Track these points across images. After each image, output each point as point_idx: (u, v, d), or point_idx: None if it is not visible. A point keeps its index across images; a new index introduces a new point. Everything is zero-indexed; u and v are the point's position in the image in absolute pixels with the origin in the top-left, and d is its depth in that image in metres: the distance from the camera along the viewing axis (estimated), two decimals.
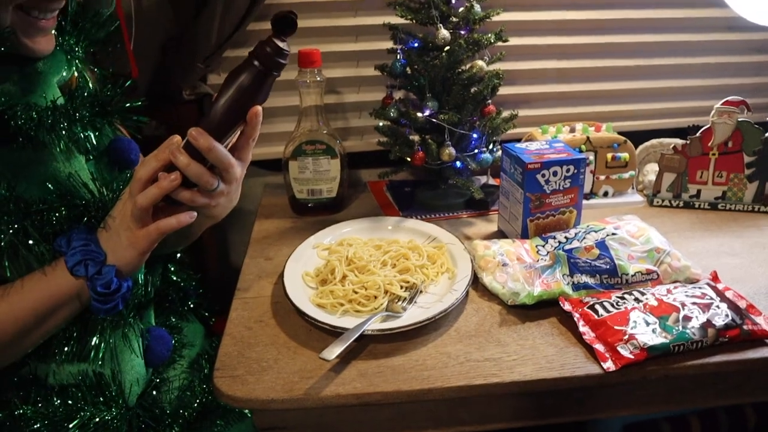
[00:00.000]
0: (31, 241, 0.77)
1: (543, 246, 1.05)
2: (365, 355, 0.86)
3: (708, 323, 0.85)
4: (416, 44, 1.21)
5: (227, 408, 0.97)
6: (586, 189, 1.30)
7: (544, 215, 1.10)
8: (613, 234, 1.02)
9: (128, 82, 0.91)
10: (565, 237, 1.06)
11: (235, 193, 0.86)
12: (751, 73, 1.54)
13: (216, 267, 1.50)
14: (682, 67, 1.50)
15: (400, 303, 0.94)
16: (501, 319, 0.94)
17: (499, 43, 1.22)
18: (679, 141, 1.29)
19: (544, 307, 0.94)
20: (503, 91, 1.30)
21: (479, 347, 0.87)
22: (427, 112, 1.18)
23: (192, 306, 1.10)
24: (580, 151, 1.25)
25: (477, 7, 1.18)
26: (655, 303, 0.89)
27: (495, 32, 1.21)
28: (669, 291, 0.92)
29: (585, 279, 0.96)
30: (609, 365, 0.82)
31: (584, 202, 1.22)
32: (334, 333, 0.87)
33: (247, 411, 0.99)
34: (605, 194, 1.32)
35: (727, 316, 0.86)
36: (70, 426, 0.81)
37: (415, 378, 0.82)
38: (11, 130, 0.75)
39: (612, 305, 0.89)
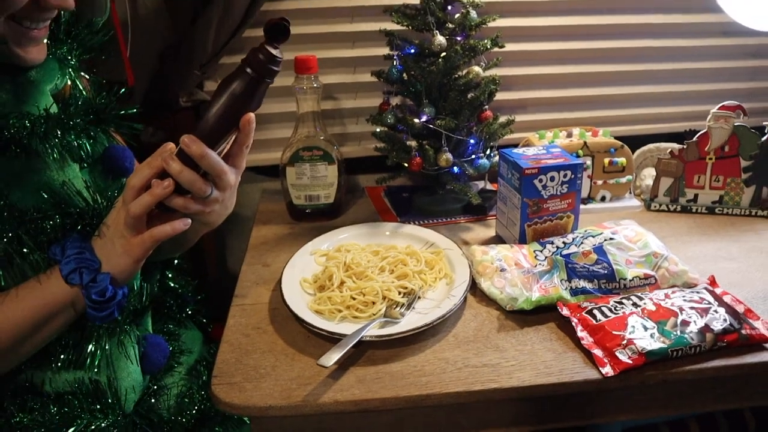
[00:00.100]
0: (25, 250, 0.77)
1: (541, 251, 1.05)
2: (363, 362, 0.86)
3: (706, 328, 0.85)
4: (413, 50, 1.21)
5: (225, 415, 0.97)
6: (584, 194, 1.30)
7: (541, 220, 1.11)
8: (611, 239, 1.03)
9: (122, 90, 0.90)
10: (563, 242, 1.06)
11: (229, 200, 0.86)
12: (746, 78, 1.54)
13: (214, 273, 1.50)
14: (678, 72, 1.50)
15: (398, 309, 0.93)
16: (499, 325, 0.93)
17: (496, 49, 1.23)
18: (676, 145, 1.29)
19: (543, 313, 0.94)
20: (500, 96, 1.31)
21: (477, 353, 0.87)
22: (424, 118, 1.18)
23: (190, 312, 1.10)
24: (578, 156, 1.26)
25: (473, 13, 1.19)
26: (653, 308, 0.89)
27: (491, 38, 1.21)
28: (667, 296, 0.92)
29: (583, 284, 0.96)
30: (607, 370, 0.82)
31: (582, 206, 1.22)
32: (332, 339, 0.87)
33: (245, 418, 0.98)
34: (603, 199, 1.32)
35: (725, 320, 0.86)
36: None
37: (414, 384, 0.81)
38: (4, 139, 0.75)
39: (610, 310, 0.89)
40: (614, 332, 0.85)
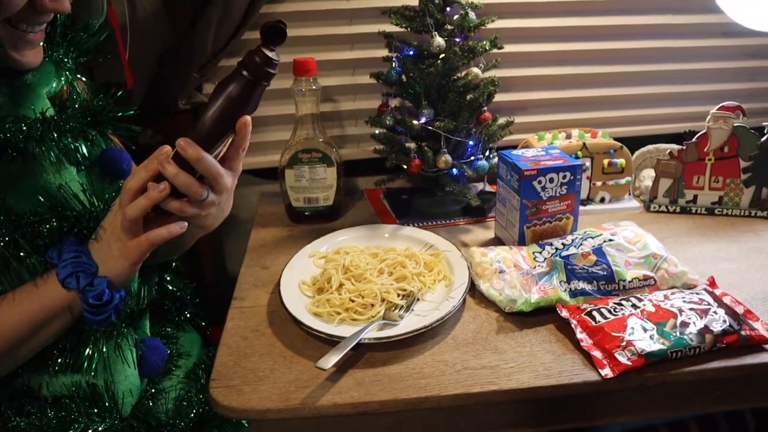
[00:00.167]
0: (22, 254, 0.77)
1: (540, 253, 1.05)
2: (362, 364, 0.86)
3: (706, 329, 0.84)
4: (411, 52, 1.21)
5: (224, 418, 0.97)
6: (583, 195, 1.30)
7: (540, 222, 1.10)
8: (610, 240, 1.02)
9: (120, 92, 0.90)
10: (562, 243, 1.06)
11: (226, 203, 0.86)
12: (746, 79, 1.54)
13: (213, 276, 1.49)
14: (678, 73, 1.50)
15: (397, 311, 0.93)
16: (498, 327, 0.93)
17: (495, 50, 1.23)
18: (675, 146, 1.29)
19: (542, 314, 0.94)
20: (499, 98, 1.30)
21: (476, 355, 0.87)
22: (422, 120, 1.18)
23: (188, 315, 1.10)
24: (577, 158, 1.25)
25: (472, 15, 1.18)
26: (653, 309, 0.89)
27: (490, 39, 1.21)
28: (666, 297, 0.92)
29: (582, 285, 0.96)
30: (607, 372, 0.81)
31: (581, 208, 1.22)
32: (331, 342, 0.87)
33: (243, 421, 0.98)
34: (602, 200, 1.32)
35: (724, 321, 0.86)
36: None
37: (412, 386, 0.81)
38: (0, 142, 0.75)
39: (609, 312, 0.89)
40: (613, 334, 0.84)
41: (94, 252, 0.79)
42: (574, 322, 0.89)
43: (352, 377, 0.83)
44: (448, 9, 1.19)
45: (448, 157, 1.17)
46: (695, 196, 1.28)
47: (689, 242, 1.16)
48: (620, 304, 0.90)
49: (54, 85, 0.85)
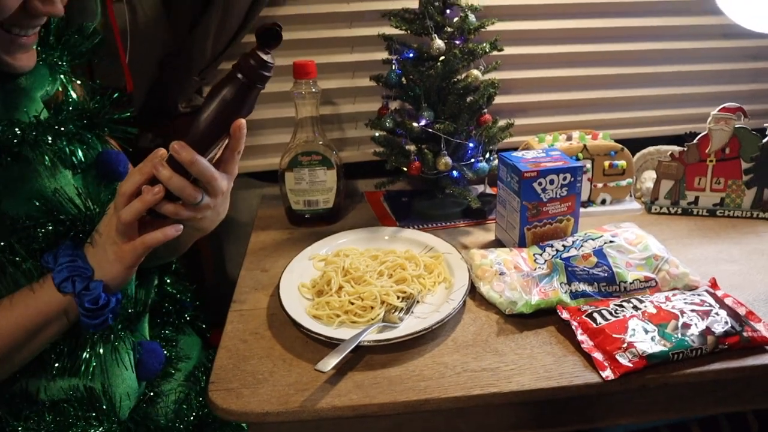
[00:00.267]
0: (18, 258, 0.77)
1: (540, 254, 1.04)
2: (362, 367, 0.85)
3: (707, 330, 0.84)
4: (411, 54, 1.21)
5: (223, 421, 0.97)
6: (584, 197, 1.30)
7: (541, 224, 1.10)
8: (611, 242, 1.02)
9: (116, 94, 0.90)
10: (563, 245, 1.05)
11: (221, 205, 0.86)
12: (747, 80, 1.54)
13: (213, 279, 1.49)
14: (679, 75, 1.50)
15: (396, 313, 0.93)
16: (498, 329, 0.93)
17: (495, 53, 1.22)
18: (676, 148, 1.28)
19: (542, 316, 0.94)
20: (499, 100, 1.30)
21: (477, 357, 0.86)
22: (422, 122, 1.18)
23: (188, 318, 1.10)
24: (577, 159, 1.25)
25: (472, 17, 1.18)
26: (654, 311, 0.88)
27: (490, 41, 1.21)
28: (668, 298, 0.91)
29: (583, 287, 0.96)
30: (608, 374, 0.81)
31: (582, 210, 1.21)
32: (330, 344, 0.86)
33: (243, 424, 0.98)
34: (603, 202, 1.31)
35: (726, 323, 0.85)
36: None
37: (412, 389, 0.81)
38: None
39: (610, 313, 0.88)
40: (614, 335, 0.84)
41: (90, 256, 0.79)
42: (574, 323, 0.89)
43: (351, 380, 0.83)
44: (448, 11, 1.19)
45: (448, 160, 1.17)
46: (696, 198, 1.27)
47: (690, 244, 1.16)
48: (621, 306, 0.90)
49: (48, 89, 0.85)
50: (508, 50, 1.30)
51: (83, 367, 0.82)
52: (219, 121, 0.75)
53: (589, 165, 1.28)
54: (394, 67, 1.21)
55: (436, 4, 1.18)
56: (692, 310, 0.88)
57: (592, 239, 1.04)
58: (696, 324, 0.85)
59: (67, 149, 0.82)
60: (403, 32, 1.21)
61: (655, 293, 0.95)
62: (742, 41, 1.47)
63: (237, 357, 0.89)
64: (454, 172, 1.21)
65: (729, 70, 1.51)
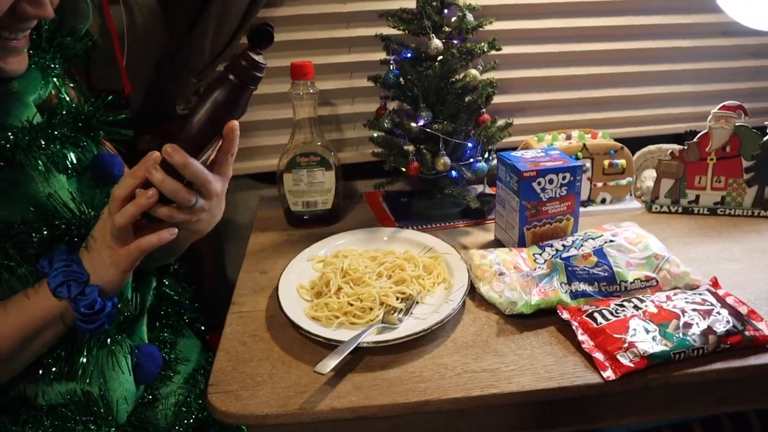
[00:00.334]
0: (12, 263, 0.76)
1: (540, 254, 1.04)
2: (361, 368, 0.85)
3: (709, 330, 0.83)
4: (409, 54, 1.20)
5: (223, 424, 0.96)
6: (584, 196, 1.29)
7: (540, 223, 1.09)
8: (611, 241, 1.01)
9: (110, 97, 0.89)
10: (563, 245, 1.05)
11: (217, 208, 0.85)
12: (747, 78, 1.53)
13: (212, 281, 1.49)
14: (678, 73, 1.49)
15: (396, 314, 0.92)
16: (498, 329, 0.92)
17: (493, 52, 1.22)
18: (676, 147, 1.28)
19: (542, 316, 0.93)
20: (498, 99, 1.30)
21: (476, 358, 0.86)
22: (421, 122, 1.17)
23: (187, 320, 1.09)
24: (577, 159, 1.25)
25: (469, 17, 1.18)
26: (655, 310, 0.88)
27: (488, 41, 1.21)
28: (669, 298, 0.91)
29: (583, 287, 0.95)
30: (609, 374, 0.80)
31: (582, 209, 1.21)
32: (329, 346, 0.86)
33: (242, 426, 0.97)
34: (603, 201, 1.31)
35: (728, 322, 0.85)
36: None
37: (412, 390, 0.80)
38: None
39: (611, 313, 0.88)
40: (615, 335, 0.83)
41: (85, 260, 0.78)
42: (575, 324, 0.89)
43: (350, 381, 0.82)
44: (445, 11, 1.19)
45: (446, 160, 1.17)
46: (697, 197, 1.27)
47: (691, 243, 1.15)
48: (622, 306, 0.89)
49: (41, 92, 0.84)
50: (507, 49, 1.30)
51: (80, 372, 0.81)
52: (211, 124, 0.74)
53: (588, 164, 1.27)
54: (392, 68, 1.21)
55: (434, 3, 1.17)
56: (693, 310, 0.87)
57: (592, 239, 1.04)
58: (697, 323, 0.85)
59: (60, 153, 0.81)
60: (400, 32, 1.20)
61: (656, 293, 0.95)
62: (742, 39, 1.47)
63: (236, 359, 0.88)
64: (453, 172, 1.21)
65: (729, 68, 1.51)
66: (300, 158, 1.22)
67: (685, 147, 1.24)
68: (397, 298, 0.96)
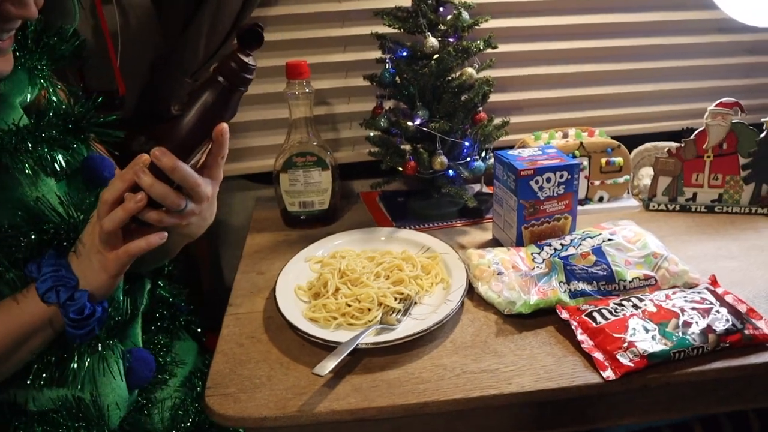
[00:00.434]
0: (0, 268, 0.75)
1: (538, 253, 1.03)
2: (360, 369, 0.85)
3: (709, 329, 0.83)
4: (405, 53, 1.20)
5: (221, 427, 0.95)
6: (581, 195, 1.29)
7: (538, 222, 1.09)
8: (610, 240, 1.01)
9: (100, 98, 0.88)
10: (561, 244, 1.04)
11: (207, 211, 0.84)
12: (743, 75, 1.53)
13: (209, 283, 1.48)
14: (674, 70, 1.49)
15: (394, 315, 0.92)
16: (497, 329, 0.92)
17: (489, 50, 1.22)
18: (673, 144, 1.28)
19: (541, 316, 0.93)
20: (494, 98, 1.29)
21: (476, 358, 0.86)
22: (417, 121, 1.17)
23: (183, 322, 1.08)
24: (574, 157, 1.24)
25: (465, 15, 1.17)
26: (654, 309, 0.87)
27: (484, 39, 1.20)
28: (668, 296, 0.91)
29: (582, 286, 0.95)
30: (609, 374, 0.80)
31: (579, 207, 1.21)
32: (328, 347, 0.85)
33: (240, 429, 0.96)
34: (600, 200, 1.31)
35: (727, 320, 0.85)
36: None
37: (411, 391, 0.80)
38: None
39: (610, 312, 0.87)
40: (615, 335, 0.83)
41: (74, 265, 0.77)
42: (574, 323, 0.88)
43: (349, 383, 0.82)
44: (441, 9, 1.18)
45: (443, 159, 1.16)
46: (694, 194, 1.26)
47: (689, 241, 1.15)
48: (621, 305, 0.89)
49: (28, 94, 0.82)
50: (502, 47, 1.29)
51: (71, 377, 0.80)
52: (200, 126, 0.73)
53: (585, 162, 1.27)
54: (387, 66, 1.20)
55: (429, 1, 1.17)
56: (693, 308, 0.87)
57: (591, 237, 1.03)
58: (697, 322, 0.84)
59: (48, 156, 0.80)
60: (396, 31, 1.20)
61: (654, 291, 0.94)
62: (738, 35, 1.47)
63: (234, 361, 0.88)
64: (450, 172, 1.21)
65: (725, 65, 1.50)
66: (296, 158, 1.21)
67: (682, 144, 1.24)
68: (396, 299, 0.96)
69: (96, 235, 0.75)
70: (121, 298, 0.90)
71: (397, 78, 1.22)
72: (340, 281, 0.99)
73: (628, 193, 1.33)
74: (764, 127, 1.19)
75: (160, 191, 0.72)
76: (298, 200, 1.25)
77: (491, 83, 1.21)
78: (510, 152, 1.13)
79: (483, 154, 1.23)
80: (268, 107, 1.38)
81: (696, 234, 1.18)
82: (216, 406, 0.79)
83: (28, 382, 0.80)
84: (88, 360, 0.81)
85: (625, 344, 0.81)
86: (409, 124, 1.17)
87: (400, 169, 1.21)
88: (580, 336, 0.86)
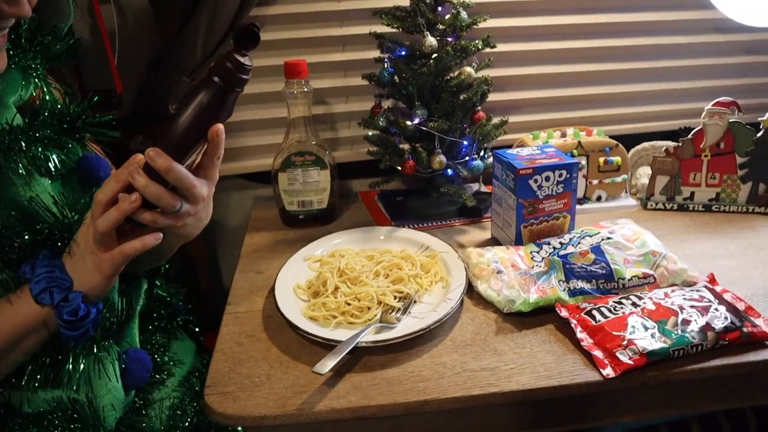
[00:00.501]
0: None
1: (537, 252, 1.04)
2: (359, 368, 0.84)
3: (707, 326, 0.83)
4: (403, 52, 1.20)
5: (219, 426, 0.95)
6: (579, 194, 1.29)
7: (537, 221, 1.09)
8: (609, 238, 1.01)
9: (96, 98, 0.88)
10: (560, 242, 1.05)
11: (203, 211, 0.83)
12: (740, 74, 1.53)
13: (207, 282, 1.48)
14: (672, 70, 1.49)
15: (393, 314, 0.92)
16: (497, 328, 0.92)
17: (487, 50, 1.22)
18: (671, 143, 1.28)
19: (541, 314, 0.93)
20: (493, 97, 1.29)
21: (476, 357, 0.86)
22: (416, 121, 1.17)
23: (181, 322, 1.08)
24: (572, 156, 1.24)
25: (463, 14, 1.17)
26: (653, 307, 0.87)
27: (482, 38, 1.20)
28: (667, 295, 0.91)
29: (581, 284, 0.95)
30: (608, 372, 0.80)
31: (578, 206, 1.21)
32: (327, 346, 0.85)
33: (240, 428, 0.96)
34: (598, 199, 1.31)
35: (726, 318, 0.85)
36: None
37: (411, 390, 0.80)
38: None
39: (609, 310, 0.88)
40: (614, 333, 0.83)
41: (69, 266, 0.76)
42: (573, 321, 0.88)
43: (349, 381, 0.82)
44: (439, 8, 1.19)
45: (442, 158, 1.16)
46: (692, 193, 1.27)
47: (687, 239, 1.16)
48: (620, 303, 0.89)
49: (22, 93, 0.81)
50: (501, 47, 1.29)
51: (66, 379, 0.80)
52: (196, 127, 0.72)
53: (584, 161, 1.27)
54: (386, 66, 1.20)
55: (428, 1, 1.17)
56: (692, 306, 0.87)
57: (590, 236, 1.04)
58: (696, 320, 0.85)
59: (42, 156, 0.79)
60: (394, 30, 1.20)
61: (653, 289, 0.95)
62: (735, 35, 1.47)
63: (233, 360, 0.87)
64: (449, 171, 1.21)
65: (722, 65, 1.51)
66: (295, 157, 1.21)
67: (680, 144, 1.24)
68: (395, 297, 0.96)
69: (90, 235, 0.74)
70: (117, 299, 0.89)
71: (395, 77, 1.22)
72: (340, 280, 0.99)
73: (626, 192, 1.33)
74: (761, 127, 1.20)
75: (155, 192, 0.72)
76: (297, 199, 1.25)
77: (490, 82, 1.21)
78: (509, 151, 1.13)
79: (482, 153, 1.23)
80: (266, 106, 1.38)
81: (694, 233, 1.18)
82: (215, 404, 0.79)
83: (23, 383, 0.79)
84: (83, 361, 0.81)
85: (625, 342, 0.82)
86: (408, 123, 1.17)
87: (399, 168, 1.21)
88: (580, 334, 0.86)
